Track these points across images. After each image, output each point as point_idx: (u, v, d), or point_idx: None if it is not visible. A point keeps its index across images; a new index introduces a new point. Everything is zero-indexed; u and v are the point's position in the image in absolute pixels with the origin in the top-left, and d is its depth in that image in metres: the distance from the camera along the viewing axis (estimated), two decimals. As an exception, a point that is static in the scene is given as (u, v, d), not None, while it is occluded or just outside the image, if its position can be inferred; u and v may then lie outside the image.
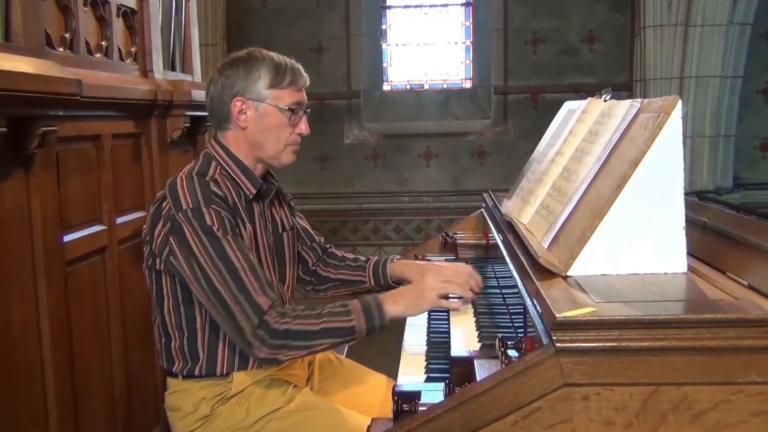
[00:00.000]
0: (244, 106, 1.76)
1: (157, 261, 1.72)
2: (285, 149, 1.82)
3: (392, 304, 1.71)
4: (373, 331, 1.69)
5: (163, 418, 1.92)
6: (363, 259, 2.13)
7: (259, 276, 1.65)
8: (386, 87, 5.92)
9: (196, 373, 1.77)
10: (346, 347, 2.35)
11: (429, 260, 2.54)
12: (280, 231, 1.96)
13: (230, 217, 1.68)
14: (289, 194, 2.09)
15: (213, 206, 1.67)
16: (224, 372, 1.77)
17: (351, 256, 2.16)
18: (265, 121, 1.78)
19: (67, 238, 2.16)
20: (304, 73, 1.82)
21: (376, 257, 2.12)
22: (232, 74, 1.77)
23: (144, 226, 1.78)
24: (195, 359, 1.77)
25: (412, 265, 2.03)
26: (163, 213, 1.69)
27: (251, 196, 1.81)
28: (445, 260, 2.41)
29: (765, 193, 5.25)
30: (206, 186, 1.70)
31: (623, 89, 5.21)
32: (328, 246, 2.18)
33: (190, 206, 1.66)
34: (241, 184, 1.80)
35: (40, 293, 1.99)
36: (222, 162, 1.80)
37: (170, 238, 1.67)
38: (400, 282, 1.99)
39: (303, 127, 1.82)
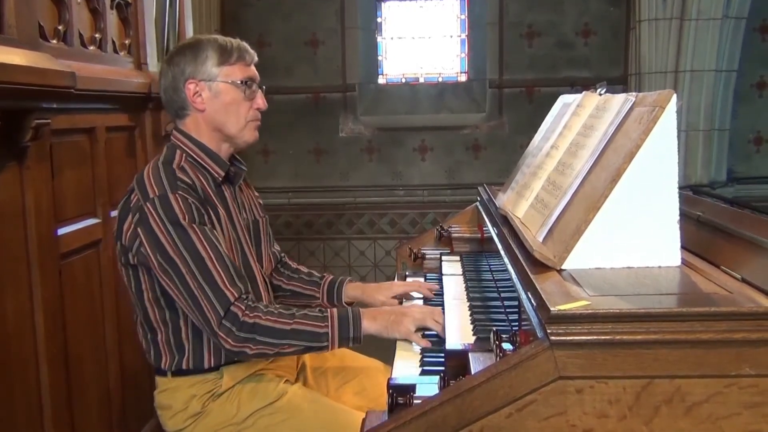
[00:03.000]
0: (197, 88, 1.78)
1: (129, 255, 1.71)
2: (246, 126, 1.83)
3: (370, 320, 1.75)
4: (347, 341, 1.71)
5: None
6: (317, 275, 2.15)
7: (227, 266, 1.65)
8: (381, 80, 5.90)
9: (184, 366, 1.77)
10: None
11: (424, 254, 2.54)
12: (255, 217, 1.97)
13: (197, 205, 1.68)
14: (257, 194, 2.09)
15: (180, 192, 1.67)
16: (212, 365, 1.77)
17: (305, 269, 2.17)
18: (220, 99, 1.79)
19: (61, 231, 2.16)
20: (250, 50, 1.85)
21: (332, 276, 2.14)
22: (181, 61, 1.79)
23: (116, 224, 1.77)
24: (181, 352, 1.76)
25: (365, 287, 2.12)
26: (132, 205, 1.69)
27: (220, 179, 1.82)
28: (424, 281, 2.39)
29: (759, 187, 5.25)
30: (172, 173, 1.71)
31: (618, 83, 5.20)
32: (282, 255, 2.19)
33: (157, 194, 1.66)
34: (209, 168, 1.80)
35: (35, 286, 1.98)
36: (186, 149, 1.80)
37: (138, 228, 1.66)
38: (351, 304, 2.07)
39: (260, 101, 1.84)
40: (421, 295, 2.13)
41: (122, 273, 1.79)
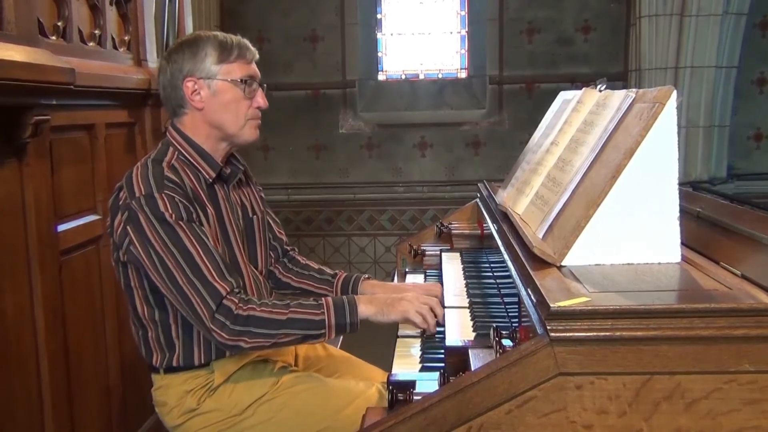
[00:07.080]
0: (196, 86, 1.76)
1: (120, 252, 1.70)
2: (246, 124, 1.80)
3: (366, 304, 1.73)
4: (344, 328, 1.69)
5: (158, 408, 1.92)
6: (330, 272, 2.10)
7: (216, 261, 1.63)
8: (381, 76, 5.89)
9: (174, 364, 1.76)
10: (341, 337, 2.34)
11: (424, 251, 2.54)
12: (250, 215, 1.94)
13: (185, 203, 1.66)
14: (260, 186, 2.06)
15: (166, 191, 1.65)
16: (202, 362, 1.76)
17: (316, 266, 2.12)
18: (219, 98, 1.77)
19: (61, 227, 2.16)
20: (251, 47, 1.81)
21: (345, 273, 2.09)
22: (179, 58, 1.77)
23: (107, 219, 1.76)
24: (171, 350, 1.76)
25: (384, 286, 2.05)
26: (121, 203, 1.68)
27: (211, 180, 1.80)
28: (424, 278, 2.41)
29: (759, 184, 5.25)
30: (160, 172, 1.69)
31: (618, 79, 5.20)
32: (289, 248, 2.15)
33: (143, 193, 1.65)
34: (200, 168, 1.78)
35: (34, 283, 1.98)
36: (179, 147, 1.78)
37: (128, 227, 1.66)
38: None
39: (260, 99, 1.81)
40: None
41: (114, 269, 1.79)
